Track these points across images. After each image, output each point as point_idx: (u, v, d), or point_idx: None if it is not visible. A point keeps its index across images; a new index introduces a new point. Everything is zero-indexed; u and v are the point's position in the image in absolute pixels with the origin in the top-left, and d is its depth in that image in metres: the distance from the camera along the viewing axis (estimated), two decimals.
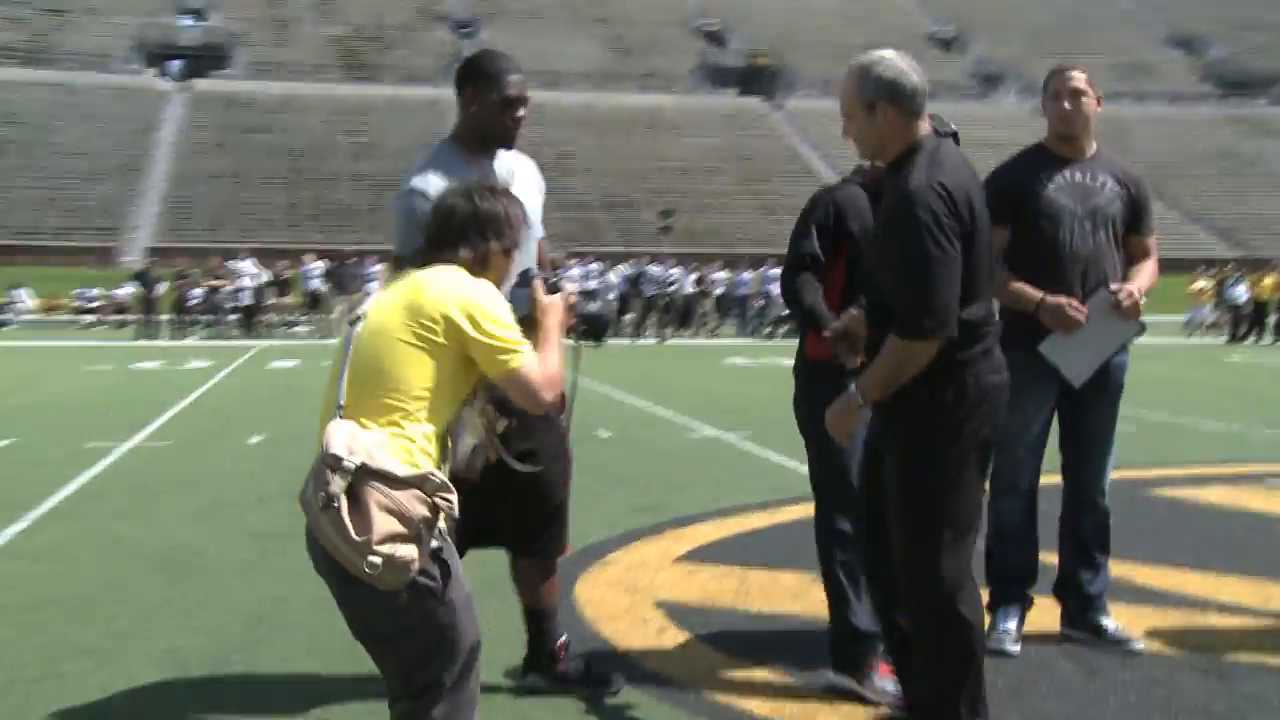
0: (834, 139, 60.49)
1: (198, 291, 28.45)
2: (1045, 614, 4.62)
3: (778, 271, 22.00)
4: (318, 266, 28.68)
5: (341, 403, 2.64)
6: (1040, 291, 4.30)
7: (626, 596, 5.21)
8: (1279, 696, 4.02)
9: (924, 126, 3.21)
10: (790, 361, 4.28)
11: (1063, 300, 4.26)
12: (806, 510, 4.37)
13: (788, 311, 24.36)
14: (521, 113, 3.86)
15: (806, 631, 4.57)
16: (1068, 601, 4.61)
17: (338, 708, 3.90)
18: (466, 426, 2.89)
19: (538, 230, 3.92)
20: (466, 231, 2.86)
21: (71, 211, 47.80)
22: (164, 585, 5.36)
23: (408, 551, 2.51)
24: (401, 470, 2.54)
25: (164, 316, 28.11)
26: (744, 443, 9.92)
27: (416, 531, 2.53)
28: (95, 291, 33.48)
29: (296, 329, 29.40)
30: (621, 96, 64.27)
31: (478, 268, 2.83)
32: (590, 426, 10.00)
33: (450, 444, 2.80)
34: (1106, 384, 4.45)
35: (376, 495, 2.49)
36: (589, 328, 3.29)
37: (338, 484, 2.47)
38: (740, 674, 4.23)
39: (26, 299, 33.10)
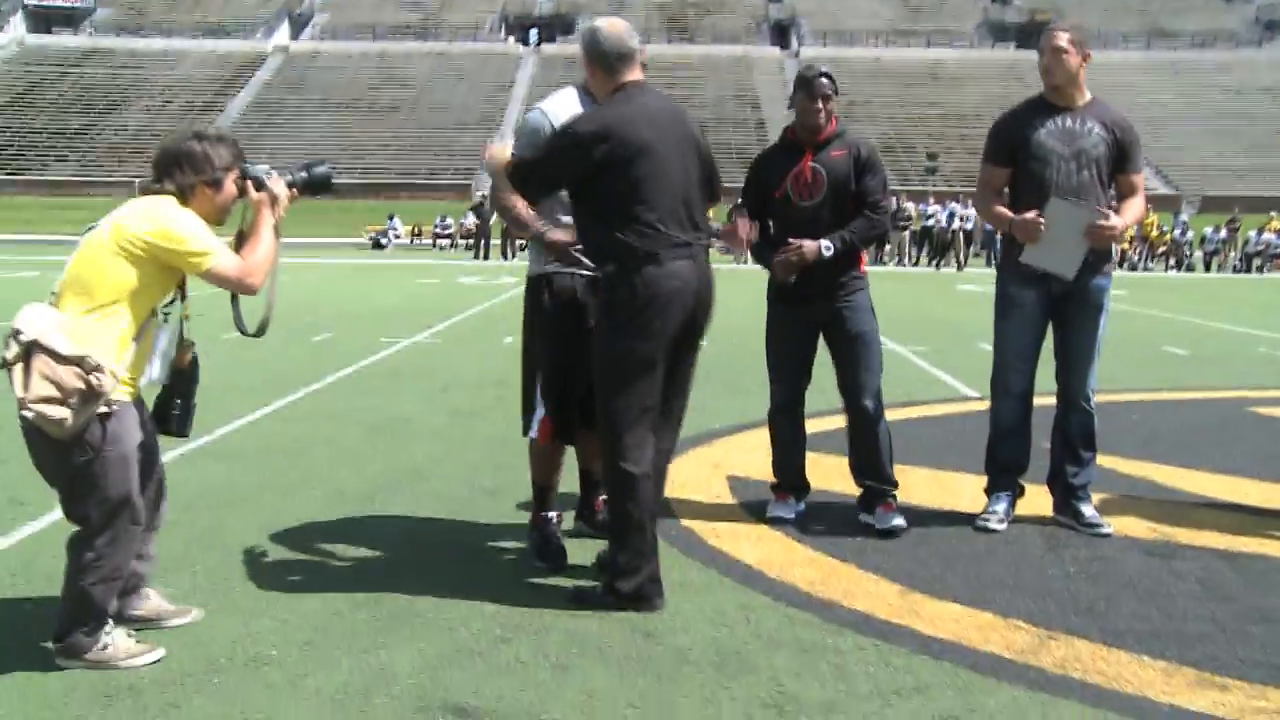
0: (1107, 89, 57.02)
1: None
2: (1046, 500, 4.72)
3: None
4: None
5: (54, 290, 3.10)
6: (1012, 214, 4.38)
7: (709, 469, 5.56)
8: (1200, 570, 4.04)
9: (624, 78, 3.60)
10: None
11: (1025, 215, 4.32)
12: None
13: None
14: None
15: (825, 504, 4.81)
16: (1055, 491, 4.69)
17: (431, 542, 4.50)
18: (167, 330, 3.28)
19: None
20: (169, 166, 3.19)
21: (440, 155, 50.89)
22: (360, 442, 6.11)
23: (56, 412, 2.91)
24: (66, 349, 2.92)
25: (494, 241, 29.78)
26: (916, 357, 9.90)
27: (68, 398, 2.91)
28: (449, 220, 35.70)
29: None
30: (908, 51, 62.16)
31: (182, 196, 3.17)
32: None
33: (154, 340, 3.23)
34: (1087, 302, 4.47)
35: (39, 365, 2.91)
36: (312, 186, 3.45)
37: (13, 351, 2.93)
38: (750, 529, 4.53)
39: (399, 226, 35.69)
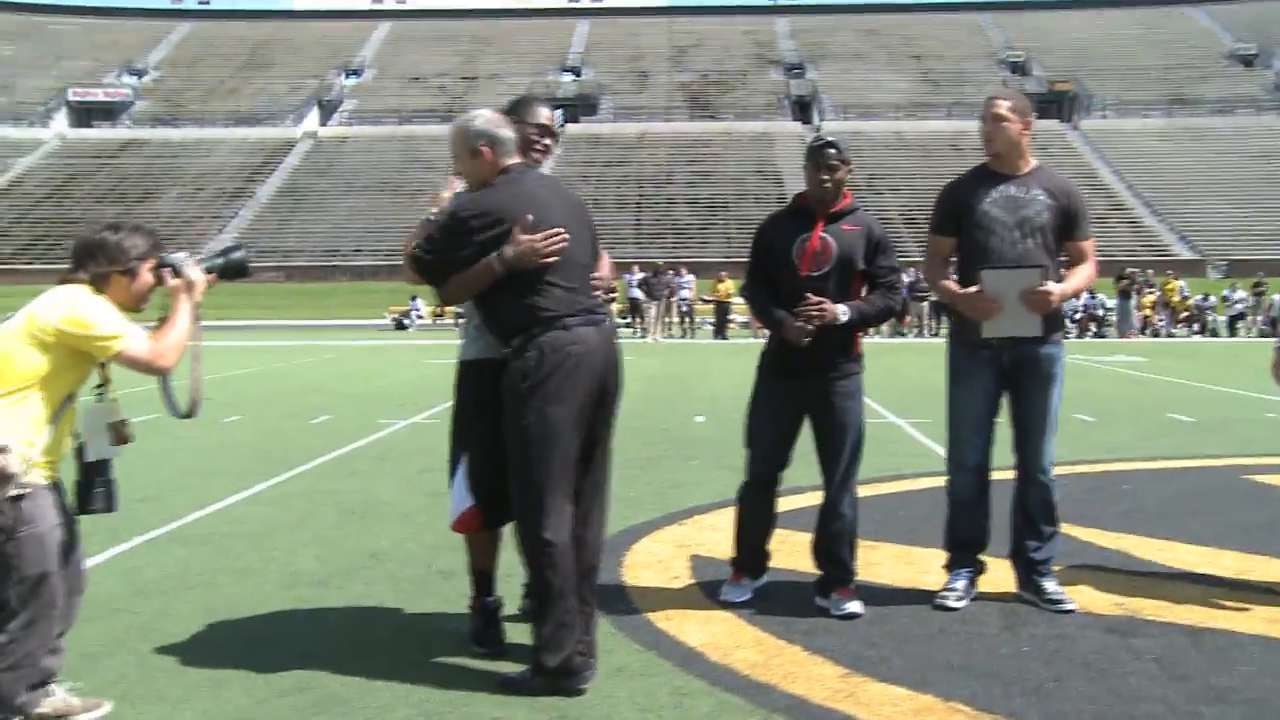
0: (1127, 154, 57.33)
1: None
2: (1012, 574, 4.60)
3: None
4: (638, 276, 29.44)
5: None
6: (959, 289, 4.34)
7: (672, 548, 5.46)
8: (1159, 648, 3.90)
9: (504, 163, 3.65)
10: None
11: (968, 291, 4.29)
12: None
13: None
14: (549, 141, 4.05)
15: (788, 583, 4.70)
16: (1017, 566, 4.56)
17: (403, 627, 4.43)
18: (97, 410, 3.34)
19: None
20: (83, 257, 3.26)
21: None
22: (329, 525, 6.06)
23: None
24: None
25: None
26: (914, 429, 9.79)
27: None
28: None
29: (621, 331, 30.58)
30: (928, 124, 62.55)
31: (97, 285, 3.23)
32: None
33: (78, 423, 3.31)
34: (1038, 373, 4.40)
35: None
36: (229, 272, 3.48)
37: None
38: (700, 611, 4.41)
39: (421, 307, 35.96)
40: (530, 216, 3.55)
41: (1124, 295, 28.97)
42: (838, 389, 4.35)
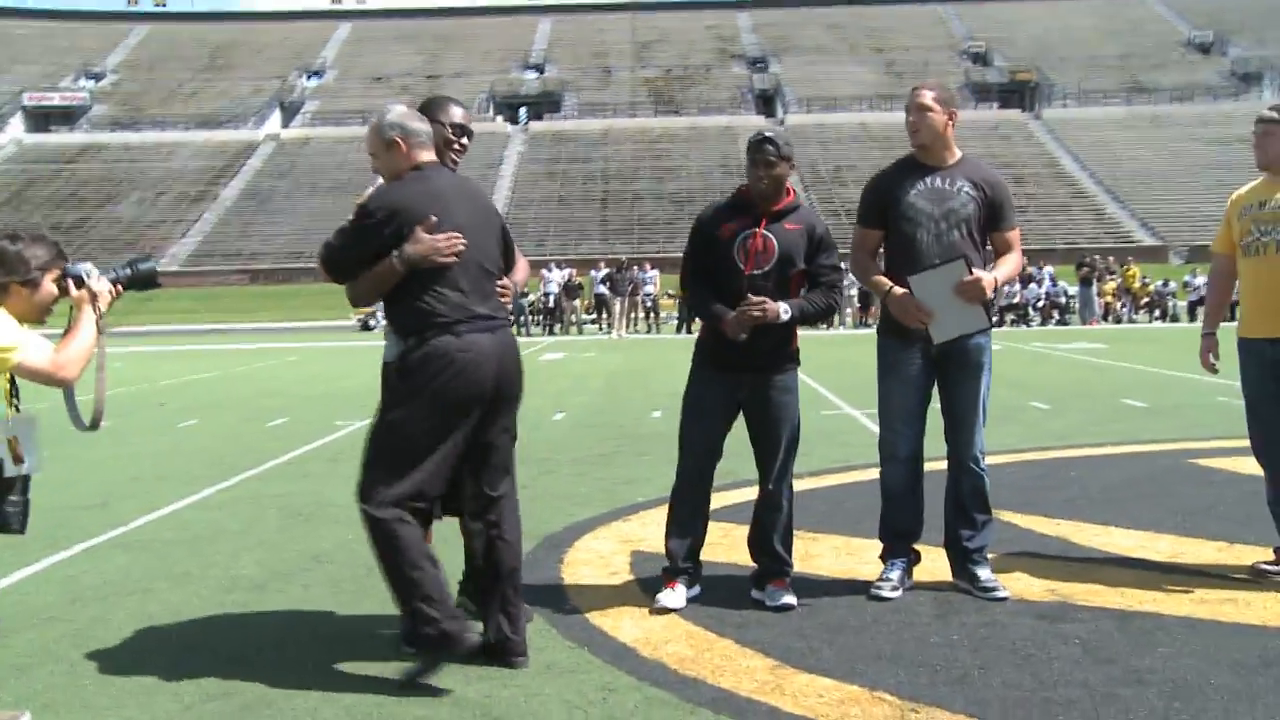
0: (1088, 143, 57.76)
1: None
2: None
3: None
4: (603, 272, 29.45)
5: None
6: (890, 283, 4.35)
7: (616, 544, 5.47)
8: (1086, 633, 3.95)
9: (417, 159, 3.70)
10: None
11: (905, 295, 4.28)
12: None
13: (1015, 300, 23.52)
14: (466, 140, 4.11)
15: (725, 577, 4.73)
16: (951, 555, 4.59)
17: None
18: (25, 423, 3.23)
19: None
20: None
21: None
22: (274, 528, 6.03)
23: None
24: None
25: None
26: (867, 420, 9.83)
27: None
28: None
29: (587, 327, 30.60)
30: (893, 115, 62.76)
31: None
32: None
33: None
34: (967, 362, 4.42)
35: None
36: (136, 282, 3.44)
37: None
38: (636, 607, 4.42)
39: None
40: (434, 217, 3.56)
41: (1085, 283, 29.24)
42: (774, 384, 4.35)
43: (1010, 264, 4.48)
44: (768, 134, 4.32)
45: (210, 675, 3.72)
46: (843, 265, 4.57)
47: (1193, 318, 30.87)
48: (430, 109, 4.02)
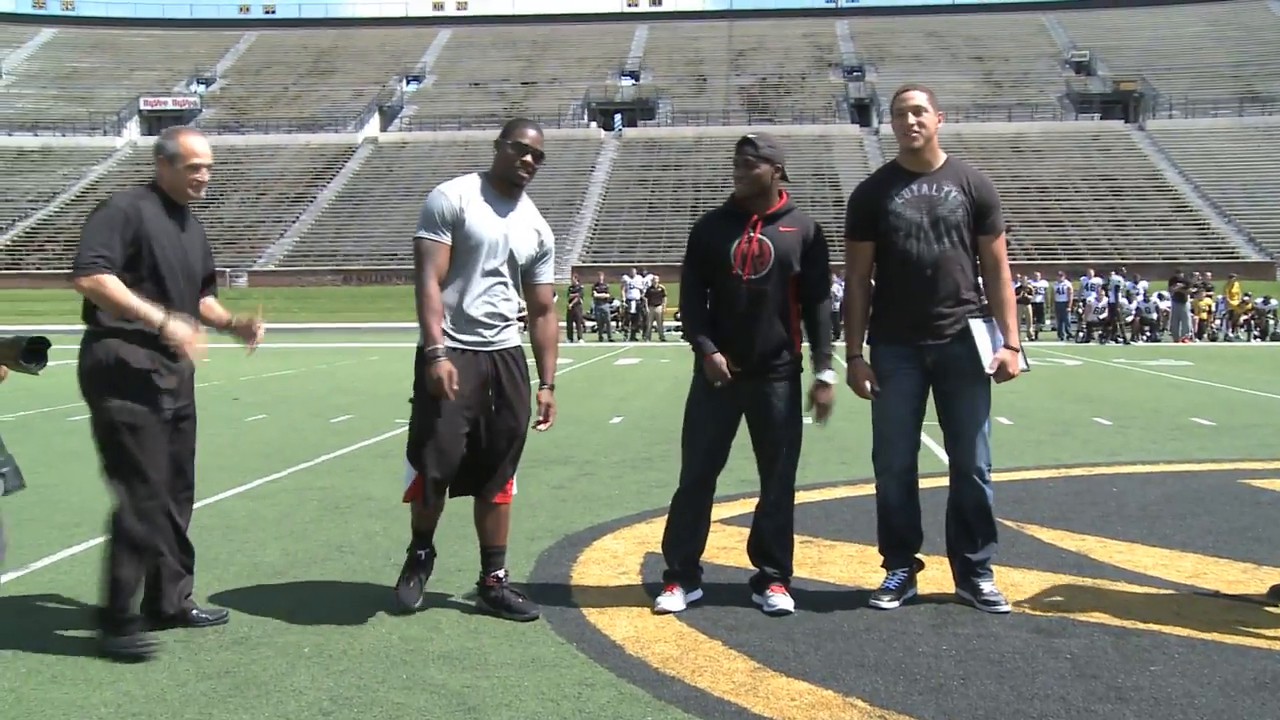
0: (1194, 155, 56.04)
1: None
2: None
3: (1098, 281, 21.19)
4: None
5: None
6: (856, 350, 4.46)
7: (632, 545, 5.53)
8: (1079, 648, 3.89)
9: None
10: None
11: (859, 363, 4.44)
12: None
13: (1104, 316, 22.96)
14: (528, 159, 4.26)
15: (729, 581, 4.75)
16: (954, 566, 4.54)
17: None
18: None
19: (524, 262, 4.41)
20: None
21: None
22: (308, 519, 6.21)
23: None
24: None
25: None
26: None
27: None
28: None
29: (670, 334, 30.63)
30: (990, 125, 61.78)
31: None
32: None
33: None
34: (963, 373, 4.36)
35: None
36: (32, 356, 3.60)
37: None
38: (635, 606, 4.47)
39: None
40: None
41: (1179, 298, 28.40)
42: (776, 389, 4.36)
43: (1006, 300, 4.38)
44: (750, 135, 4.37)
45: (210, 655, 3.87)
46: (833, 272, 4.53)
47: None
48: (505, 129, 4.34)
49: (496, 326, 4.31)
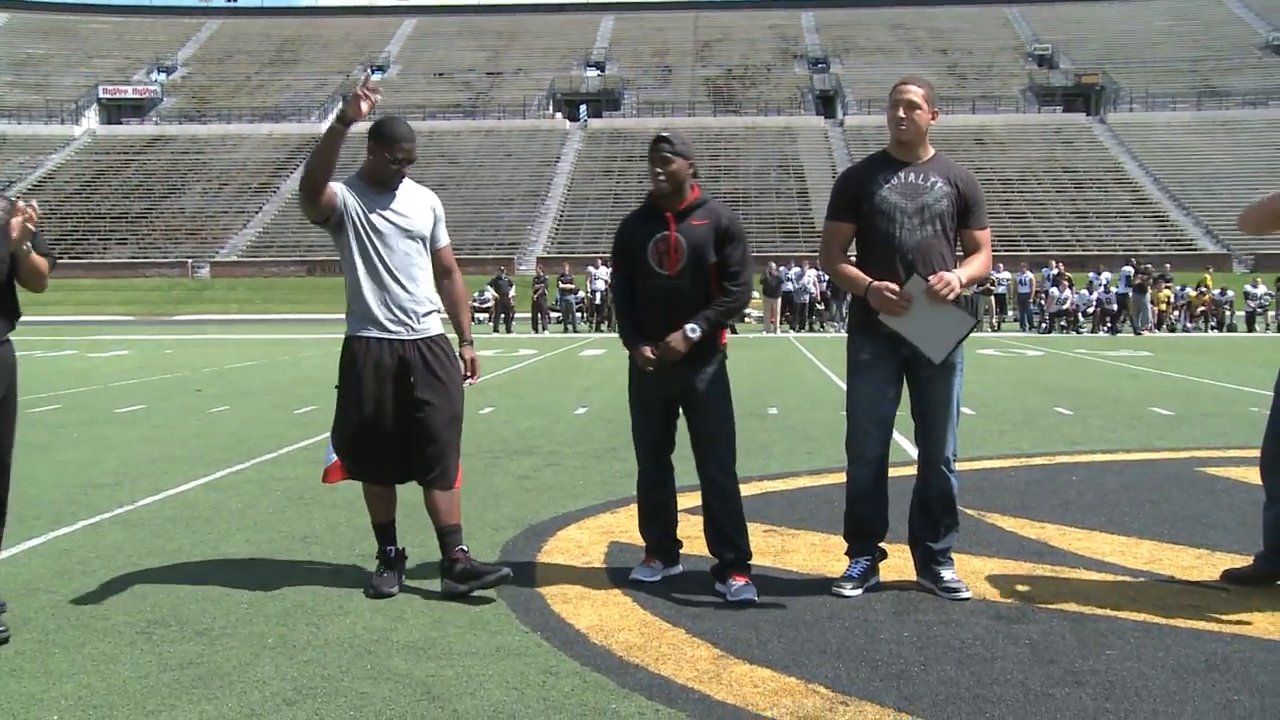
0: (1154, 148, 56.71)
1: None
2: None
3: (1055, 272, 21.49)
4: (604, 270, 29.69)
5: None
6: (868, 278, 4.34)
7: (597, 534, 5.55)
8: (1038, 634, 3.94)
9: None
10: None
11: (885, 285, 4.27)
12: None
13: (1065, 308, 23.43)
14: (402, 162, 4.50)
15: (693, 569, 4.79)
16: (915, 555, 4.59)
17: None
18: None
19: (425, 238, 4.58)
20: None
21: (484, 230, 51.71)
22: (271, 510, 6.19)
23: None
24: None
25: (522, 315, 30.17)
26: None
27: None
28: (488, 294, 36.16)
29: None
30: (954, 118, 62.18)
31: None
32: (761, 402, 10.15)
33: None
34: (938, 364, 4.38)
35: None
36: None
37: None
38: (600, 595, 4.50)
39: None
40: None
41: (1139, 290, 28.75)
42: (701, 376, 4.46)
43: (978, 262, 4.44)
44: (663, 133, 4.47)
45: (173, 646, 3.85)
46: (749, 257, 4.55)
47: (1250, 328, 30.26)
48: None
49: (415, 315, 4.46)
